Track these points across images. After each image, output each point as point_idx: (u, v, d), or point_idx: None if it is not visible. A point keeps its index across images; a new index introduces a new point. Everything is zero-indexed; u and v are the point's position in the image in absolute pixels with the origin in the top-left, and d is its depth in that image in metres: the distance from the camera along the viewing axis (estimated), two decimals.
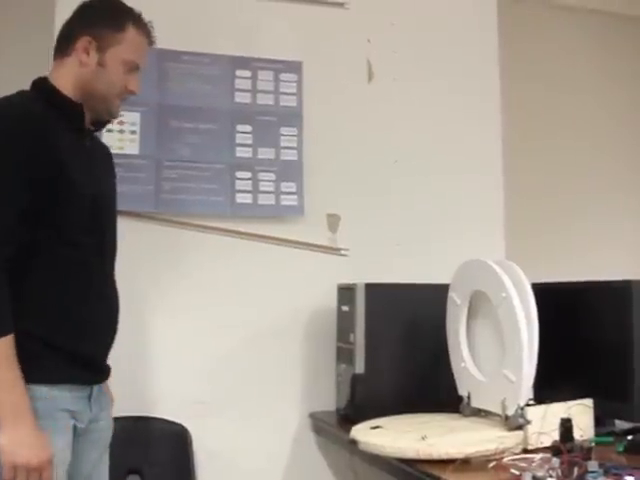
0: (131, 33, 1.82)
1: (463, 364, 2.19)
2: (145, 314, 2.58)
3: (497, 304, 2.02)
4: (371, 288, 2.43)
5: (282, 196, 2.72)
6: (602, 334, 2.18)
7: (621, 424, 2.09)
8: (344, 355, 2.51)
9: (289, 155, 2.74)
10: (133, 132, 2.61)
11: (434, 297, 2.29)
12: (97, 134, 2.00)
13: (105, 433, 1.89)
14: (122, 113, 2.53)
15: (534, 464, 1.56)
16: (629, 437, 1.92)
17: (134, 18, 1.84)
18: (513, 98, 3.16)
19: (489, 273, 2.05)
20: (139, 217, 2.60)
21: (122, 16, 1.82)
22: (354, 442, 2.00)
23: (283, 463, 2.71)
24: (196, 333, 2.63)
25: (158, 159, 2.62)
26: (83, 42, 1.78)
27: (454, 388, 2.22)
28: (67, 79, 1.79)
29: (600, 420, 2.02)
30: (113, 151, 2.50)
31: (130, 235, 2.52)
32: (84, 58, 1.78)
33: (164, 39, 2.57)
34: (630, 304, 2.05)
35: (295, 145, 2.75)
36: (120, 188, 2.49)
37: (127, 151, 2.60)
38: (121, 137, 2.60)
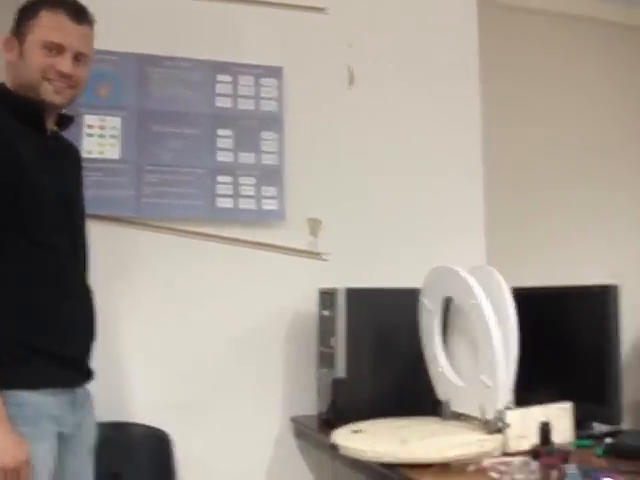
0: (45, 16, 1.78)
1: (440, 369, 2.20)
2: (125, 318, 2.56)
3: (468, 310, 2.03)
4: (352, 293, 2.44)
5: (263, 200, 2.72)
6: (581, 338, 2.20)
7: (600, 428, 2.11)
8: (325, 359, 2.52)
9: (270, 159, 2.75)
10: (114, 137, 2.60)
11: (415, 301, 2.30)
12: (69, 137, 1.99)
13: (89, 438, 1.89)
14: (102, 118, 2.58)
15: (513, 467, 1.57)
16: (608, 440, 1.94)
17: (48, 2, 1.80)
18: (493, 100, 3.17)
19: (458, 280, 2.07)
20: (120, 222, 2.59)
21: (36, 4, 1.80)
22: (335, 446, 2.00)
23: (264, 467, 2.70)
24: (176, 337, 2.63)
25: (139, 164, 2.61)
26: (5, 42, 1.80)
27: (434, 392, 2.23)
28: (8, 81, 1.81)
29: (580, 423, 2.04)
30: (93, 156, 2.54)
31: (111, 239, 2.54)
32: (10, 57, 1.79)
33: (145, 44, 2.62)
34: (608, 309, 2.07)
35: (276, 150, 2.76)
36: (101, 192, 2.52)
37: (108, 156, 2.59)
38: (101, 142, 2.59)
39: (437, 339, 2.21)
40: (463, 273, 2.05)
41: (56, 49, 1.78)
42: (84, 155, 2.39)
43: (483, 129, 3.10)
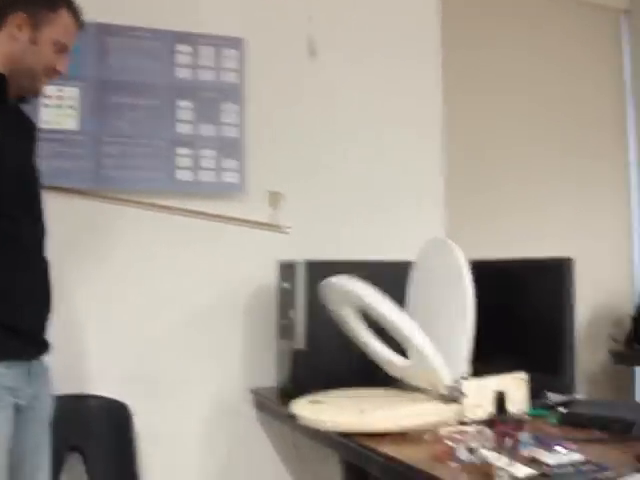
0: (64, 15, 1.84)
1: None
2: (83, 291, 2.55)
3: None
4: (312, 265, 2.45)
5: (223, 173, 2.71)
6: (537, 310, 2.23)
7: (555, 397, 2.14)
8: (285, 331, 2.53)
9: (230, 132, 2.74)
10: (71, 107, 2.57)
11: (373, 273, 2.31)
12: (28, 108, 1.97)
13: (46, 410, 1.88)
14: (60, 88, 2.54)
15: (468, 436, 1.59)
16: (562, 409, 1.98)
17: (67, 1, 1.86)
18: (454, 68, 3.16)
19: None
20: (78, 194, 2.56)
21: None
22: (293, 417, 2.02)
23: (224, 439, 2.72)
24: (135, 310, 2.62)
25: (97, 135, 2.58)
26: (17, 18, 1.78)
27: None
28: None
29: (535, 393, 2.08)
30: (51, 127, 2.51)
31: (69, 212, 2.51)
32: (16, 33, 1.78)
33: (104, 13, 2.58)
34: (563, 281, 2.10)
35: (236, 121, 2.74)
36: (59, 164, 2.49)
37: (66, 127, 2.55)
38: (59, 112, 2.55)
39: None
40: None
41: (61, 50, 1.85)
42: (41, 126, 2.38)
43: (444, 98, 3.11)
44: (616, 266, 3.54)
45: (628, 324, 3.40)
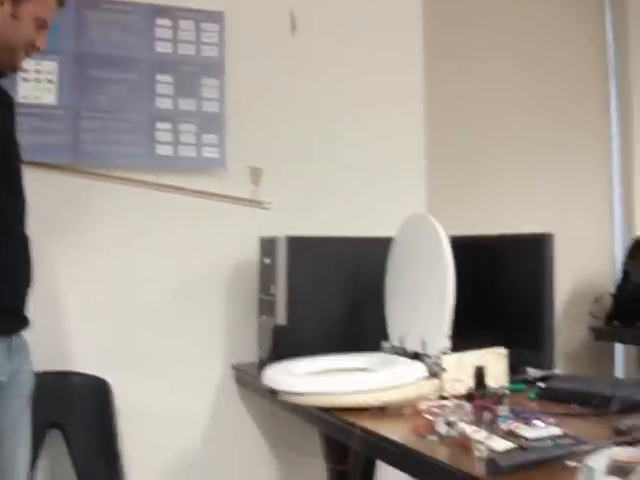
0: None
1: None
2: (62, 267, 2.54)
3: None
4: (293, 240, 2.44)
5: (203, 148, 2.69)
6: (517, 286, 2.24)
7: (534, 372, 2.16)
8: (266, 307, 2.53)
9: (211, 106, 2.71)
10: (50, 81, 2.54)
11: (354, 249, 2.32)
12: (6, 83, 1.95)
13: (27, 385, 1.87)
14: (38, 62, 2.51)
15: (447, 410, 1.60)
16: (541, 384, 1.99)
17: None
18: (436, 44, 3.15)
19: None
20: (56, 168, 2.54)
21: None
22: (274, 392, 2.02)
23: (205, 414, 2.72)
24: (116, 286, 2.61)
25: (76, 109, 2.56)
26: None
27: (374, 339, 2.26)
28: None
29: (515, 368, 2.09)
30: (29, 101, 2.48)
31: (47, 187, 2.49)
32: None
33: None
34: (542, 257, 2.10)
35: (217, 96, 2.72)
36: (37, 139, 2.47)
37: (44, 101, 2.53)
38: (37, 87, 2.52)
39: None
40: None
41: (41, 25, 1.83)
42: (19, 100, 2.35)
43: (426, 73, 3.10)
44: (597, 242, 3.55)
45: (608, 301, 3.42)
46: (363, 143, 2.96)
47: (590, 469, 1.13)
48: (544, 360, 2.12)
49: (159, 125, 2.65)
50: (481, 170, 3.27)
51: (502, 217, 3.12)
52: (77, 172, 2.57)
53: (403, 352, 2.12)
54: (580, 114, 3.52)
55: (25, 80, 2.49)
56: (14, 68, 1.86)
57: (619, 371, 3.53)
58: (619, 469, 1.14)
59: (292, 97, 2.88)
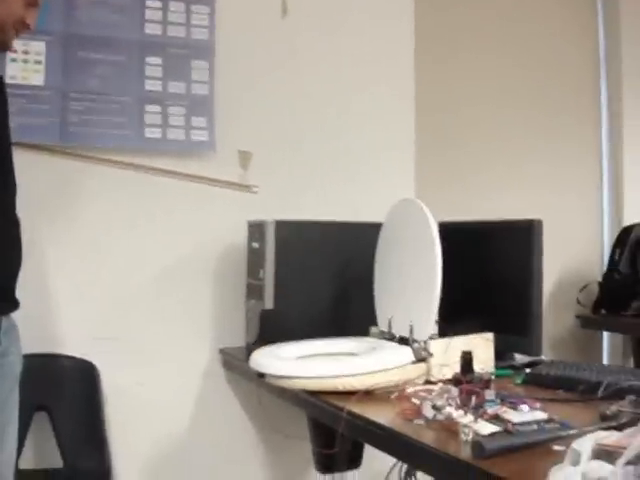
0: None
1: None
2: (51, 249, 2.53)
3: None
4: (281, 225, 2.44)
5: (192, 131, 2.68)
6: (505, 272, 2.24)
7: (521, 358, 2.16)
8: (254, 291, 2.52)
9: (200, 89, 2.69)
10: (38, 62, 2.52)
11: (342, 234, 2.32)
12: None
13: (15, 367, 1.86)
14: (26, 42, 2.49)
15: (434, 394, 1.60)
16: (527, 370, 2.00)
17: None
18: (427, 31, 3.14)
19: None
20: (44, 150, 2.52)
21: None
22: (262, 375, 2.02)
23: (192, 398, 2.72)
24: (102, 269, 2.60)
25: (64, 90, 2.54)
26: None
27: (362, 323, 2.26)
28: None
29: (502, 354, 2.10)
30: (17, 82, 2.47)
31: (35, 168, 2.48)
32: None
33: None
34: (530, 243, 2.11)
35: (206, 79, 2.70)
36: (24, 120, 2.45)
37: (32, 82, 2.51)
38: (25, 67, 2.50)
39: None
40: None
41: (31, 3, 1.80)
42: (7, 81, 2.32)
43: (416, 61, 3.09)
44: (586, 230, 3.56)
45: (596, 289, 3.43)
46: (353, 128, 2.95)
47: (576, 452, 1.14)
48: (531, 346, 2.13)
49: (148, 107, 2.63)
50: (470, 156, 3.26)
51: (491, 203, 3.11)
52: (64, 154, 2.55)
53: (391, 337, 2.12)
54: (570, 101, 3.52)
55: (13, 60, 2.47)
56: (4, 47, 1.84)
57: (606, 359, 3.55)
58: (605, 453, 1.14)
59: (282, 81, 2.86)
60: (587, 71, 3.60)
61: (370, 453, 2.37)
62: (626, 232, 3.40)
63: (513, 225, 2.20)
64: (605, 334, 3.58)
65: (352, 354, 2.06)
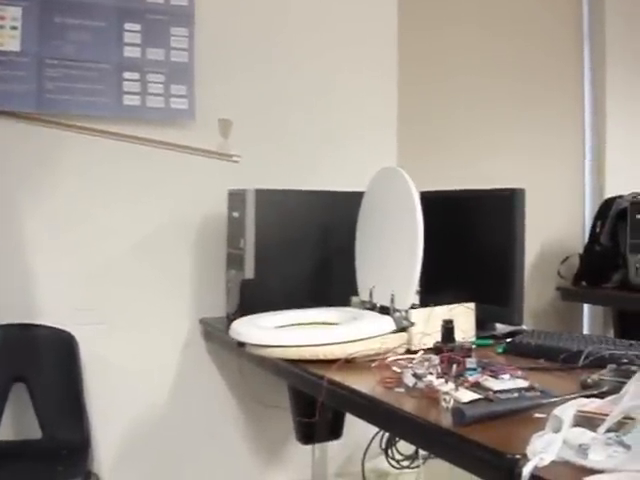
0: None
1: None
2: (27, 219, 2.49)
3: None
4: (261, 194, 2.42)
5: (172, 99, 2.64)
6: (486, 242, 2.23)
7: (503, 328, 2.16)
8: (234, 261, 2.51)
9: (180, 57, 2.65)
10: (14, 28, 2.47)
11: (323, 203, 2.30)
12: None
13: None
14: (2, 8, 2.44)
15: (415, 362, 1.59)
16: (508, 339, 2.00)
17: None
18: (410, 3, 3.12)
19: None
20: (19, 117, 2.48)
21: None
22: (242, 345, 2.01)
23: (172, 368, 2.71)
24: (80, 239, 2.57)
25: (40, 57, 2.49)
26: None
27: (344, 293, 2.24)
28: None
29: (483, 324, 2.09)
30: None
31: (9, 136, 2.44)
32: None
33: None
34: (513, 212, 2.10)
35: (186, 46, 2.66)
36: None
37: (7, 48, 2.46)
38: (1, 33, 2.46)
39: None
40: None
41: None
42: None
43: (400, 32, 3.05)
44: (568, 203, 3.57)
45: (576, 261, 3.44)
46: (335, 97, 2.93)
47: (557, 419, 1.13)
48: (512, 316, 2.12)
49: (126, 75, 2.59)
50: (453, 126, 3.25)
51: (474, 173, 3.09)
52: (39, 121, 2.51)
53: (372, 307, 2.11)
54: (553, 70, 3.51)
55: None
56: None
57: (586, 330, 3.56)
58: (586, 420, 1.14)
59: (263, 48, 2.82)
60: (570, 40, 3.59)
61: (351, 424, 2.37)
62: (607, 204, 3.40)
63: (496, 194, 2.18)
64: (586, 306, 3.59)
65: (333, 324, 2.05)
